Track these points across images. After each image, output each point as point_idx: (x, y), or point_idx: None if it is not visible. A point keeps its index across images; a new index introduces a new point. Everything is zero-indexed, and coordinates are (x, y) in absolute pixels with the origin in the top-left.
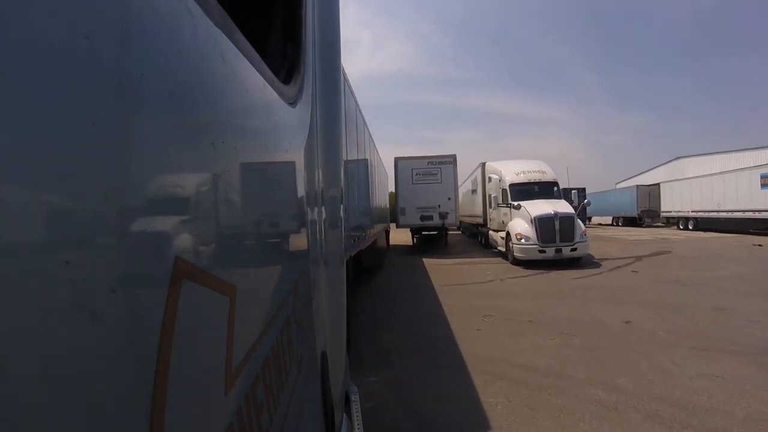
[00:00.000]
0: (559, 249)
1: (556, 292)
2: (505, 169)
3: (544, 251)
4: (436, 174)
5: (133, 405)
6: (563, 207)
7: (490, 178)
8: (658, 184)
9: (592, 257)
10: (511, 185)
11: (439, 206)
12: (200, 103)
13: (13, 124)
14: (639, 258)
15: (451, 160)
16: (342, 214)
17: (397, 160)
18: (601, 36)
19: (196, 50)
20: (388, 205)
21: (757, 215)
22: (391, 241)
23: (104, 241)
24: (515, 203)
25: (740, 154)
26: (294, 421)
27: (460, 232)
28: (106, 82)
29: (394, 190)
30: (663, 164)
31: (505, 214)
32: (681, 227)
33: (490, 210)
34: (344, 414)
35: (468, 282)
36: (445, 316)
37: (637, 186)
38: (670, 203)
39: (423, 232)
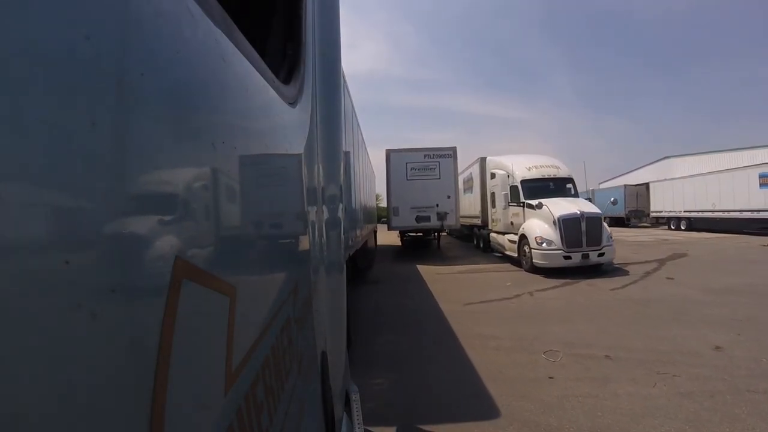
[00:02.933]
0: (585, 254)
1: (605, 310)
2: (514, 164)
3: (569, 257)
4: (434, 169)
5: (133, 405)
6: (587, 206)
7: (493, 174)
8: (646, 184)
9: (612, 263)
10: (522, 181)
11: (438, 205)
12: (200, 103)
13: (13, 124)
14: (661, 262)
15: (451, 153)
16: (342, 214)
17: (389, 153)
18: (577, 39)
19: (196, 50)
20: (375, 206)
21: (755, 215)
22: (377, 242)
23: (104, 241)
24: (535, 202)
25: (729, 154)
26: (294, 421)
27: (446, 233)
28: (106, 82)
29: (386, 187)
30: (650, 164)
31: (516, 214)
32: (672, 227)
33: (493, 210)
34: (344, 413)
35: (491, 298)
36: (493, 363)
37: (625, 186)
38: (661, 203)
39: (410, 233)
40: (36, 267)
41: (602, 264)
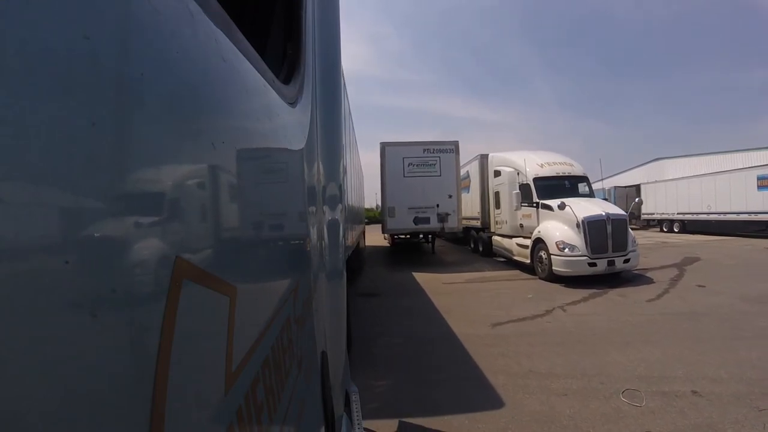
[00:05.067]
0: (611, 261)
1: (657, 328)
2: (527, 160)
3: (594, 264)
4: (434, 165)
5: (133, 405)
6: (611, 207)
7: (498, 172)
8: (636, 186)
9: (631, 269)
10: (535, 179)
11: (438, 206)
12: (200, 103)
13: (13, 124)
14: (679, 267)
15: (453, 148)
16: (342, 214)
17: (384, 147)
18: (557, 43)
19: (196, 50)
20: (364, 206)
21: (753, 217)
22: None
23: (104, 241)
24: (556, 202)
25: (721, 156)
26: (294, 420)
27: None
28: (106, 82)
29: (380, 185)
30: (641, 165)
31: (527, 215)
32: (665, 230)
33: (497, 211)
34: (344, 413)
35: (520, 316)
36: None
37: (615, 187)
38: (653, 205)
39: (400, 235)
40: (36, 267)
41: (620, 271)
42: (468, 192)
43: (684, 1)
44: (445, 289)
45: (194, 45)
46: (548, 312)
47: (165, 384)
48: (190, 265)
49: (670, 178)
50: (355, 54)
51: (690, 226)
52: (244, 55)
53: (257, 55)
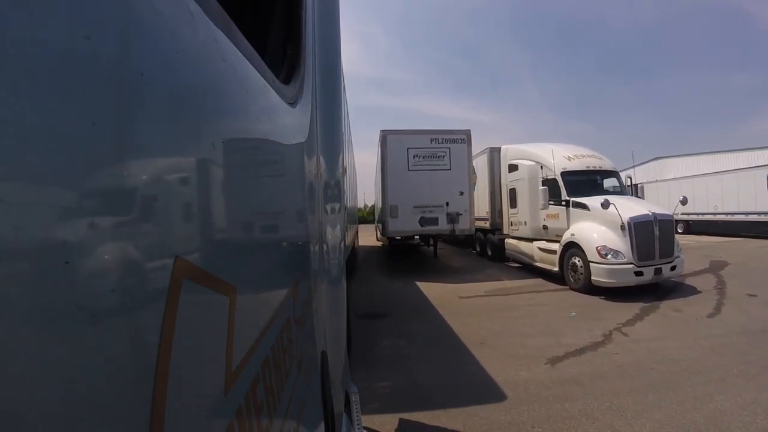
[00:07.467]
0: (658, 269)
1: (741, 354)
2: (553, 152)
3: (641, 273)
4: (443, 157)
5: (134, 405)
6: (654, 206)
7: (515, 166)
8: (639, 185)
9: (675, 277)
10: (563, 174)
11: (448, 204)
12: (200, 103)
13: (13, 124)
14: (715, 274)
15: (465, 138)
16: (341, 214)
17: (385, 135)
18: (543, 47)
19: (196, 50)
20: (356, 206)
21: (762, 218)
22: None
23: (104, 241)
24: (599, 200)
25: (723, 156)
26: (294, 420)
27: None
28: (106, 82)
29: (380, 180)
30: (641, 164)
31: (553, 215)
32: None
33: (513, 211)
34: (344, 413)
35: (575, 345)
36: None
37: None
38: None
39: (397, 237)
40: (36, 267)
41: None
42: (474, 189)
43: (667, 5)
44: (464, 306)
45: (194, 45)
46: (607, 338)
47: (165, 384)
48: (190, 265)
49: (671, 177)
50: (344, 52)
51: (695, 227)
52: (244, 55)
53: (257, 55)
